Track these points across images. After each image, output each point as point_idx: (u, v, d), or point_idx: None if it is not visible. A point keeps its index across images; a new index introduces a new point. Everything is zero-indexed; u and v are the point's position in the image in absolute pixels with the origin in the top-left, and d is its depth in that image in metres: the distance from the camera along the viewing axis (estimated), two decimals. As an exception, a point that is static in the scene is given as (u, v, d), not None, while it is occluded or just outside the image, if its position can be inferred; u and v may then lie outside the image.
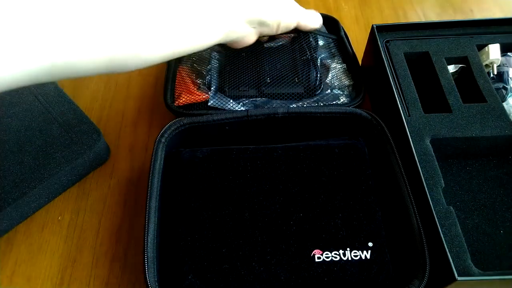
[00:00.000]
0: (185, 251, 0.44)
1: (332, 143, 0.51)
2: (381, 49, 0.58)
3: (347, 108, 0.54)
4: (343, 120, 0.54)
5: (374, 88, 0.62)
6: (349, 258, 0.43)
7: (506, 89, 0.56)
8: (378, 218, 0.46)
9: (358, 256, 0.44)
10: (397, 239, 0.46)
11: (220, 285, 0.43)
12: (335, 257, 0.44)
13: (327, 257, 0.44)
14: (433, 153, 0.50)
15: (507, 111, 0.53)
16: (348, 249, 0.44)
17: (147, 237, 0.44)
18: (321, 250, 0.44)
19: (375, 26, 0.60)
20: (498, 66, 0.58)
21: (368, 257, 0.44)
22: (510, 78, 0.57)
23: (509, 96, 0.56)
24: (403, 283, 0.42)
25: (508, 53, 0.59)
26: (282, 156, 0.50)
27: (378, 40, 0.58)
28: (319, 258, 0.43)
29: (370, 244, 0.44)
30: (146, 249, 0.44)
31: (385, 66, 0.56)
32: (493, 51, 0.58)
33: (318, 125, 0.55)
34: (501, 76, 0.58)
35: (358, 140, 0.52)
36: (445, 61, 0.58)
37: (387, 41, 0.60)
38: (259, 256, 0.44)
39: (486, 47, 0.59)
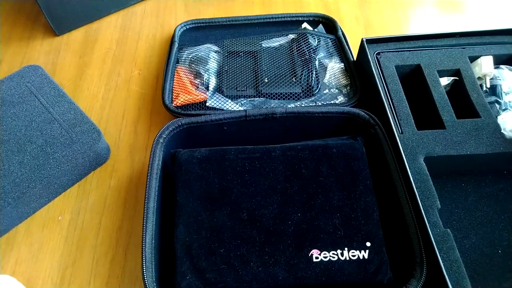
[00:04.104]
0: (184, 251, 0.44)
1: (330, 143, 0.51)
2: (371, 64, 0.57)
3: (344, 108, 0.54)
4: (341, 120, 0.54)
5: (369, 96, 0.61)
6: (347, 258, 0.44)
7: (499, 103, 0.55)
8: (376, 218, 0.46)
9: (356, 256, 0.44)
10: (395, 239, 0.46)
11: (218, 285, 0.43)
12: (333, 257, 0.44)
13: (325, 257, 0.44)
14: (427, 172, 0.49)
15: (501, 127, 0.52)
16: (346, 248, 0.44)
17: (145, 237, 0.45)
18: (319, 250, 0.44)
19: (364, 40, 0.58)
20: (491, 79, 0.57)
21: (366, 256, 0.44)
22: (504, 92, 0.56)
23: (503, 111, 0.55)
24: (400, 283, 0.43)
25: (501, 66, 0.58)
26: (280, 156, 0.50)
27: (369, 54, 0.57)
28: (317, 258, 0.44)
29: (368, 243, 0.44)
30: (144, 249, 0.44)
31: (376, 82, 0.55)
32: (486, 64, 0.56)
33: (316, 125, 0.55)
34: (494, 89, 0.56)
35: (356, 140, 0.52)
36: (437, 74, 0.57)
37: (378, 54, 0.59)
38: (257, 256, 0.44)
39: (479, 59, 0.57)
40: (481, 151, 0.50)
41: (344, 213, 0.46)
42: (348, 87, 0.61)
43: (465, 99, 0.55)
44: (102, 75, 0.70)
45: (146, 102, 0.66)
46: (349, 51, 0.65)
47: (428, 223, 0.44)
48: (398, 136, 0.50)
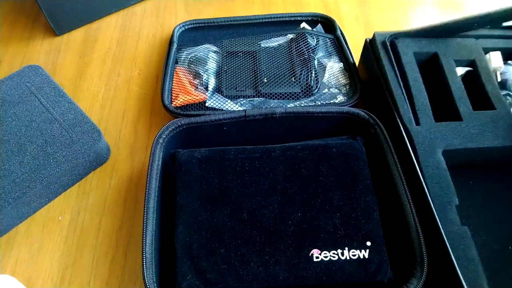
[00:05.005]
0: (184, 252, 0.44)
1: (329, 143, 0.51)
2: (388, 48, 0.54)
3: (344, 107, 0.54)
4: (340, 120, 0.54)
5: (373, 94, 0.60)
6: (347, 258, 0.44)
7: (511, 96, 0.55)
8: (376, 218, 0.46)
9: (357, 256, 0.44)
10: (395, 238, 0.46)
11: (219, 285, 0.43)
12: (334, 257, 0.44)
13: (326, 257, 0.44)
14: (446, 166, 0.47)
15: None
16: (346, 248, 0.44)
17: (145, 238, 0.45)
18: (319, 249, 0.44)
19: (376, 34, 0.57)
20: (501, 73, 0.57)
21: (367, 256, 0.44)
22: None
23: None
24: (401, 282, 0.43)
25: (509, 61, 0.58)
26: (280, 156, 0.50)
27: (385, 38, 0.55)
28: (317, 257, 0.44)
29: (368, 243, 0.44)
30: (145, 250, 0.44)
31: (394, 67, 0.53)
32: (495, 59, 0.56)
33: (315, 124, 0.55)
34: (504, 84, 0.56)
35: (356, 140, 0.52)
36: (454, 64, 0.55)
37: (395, 38, 0.56)
38: (257, 256, 0.44)
39: (487, 55, 0.57)
40: (497, 144, 0.49)
41: (344, 212, 0.46)
42: (348, 86, 0.61)
43: (480, 90, 0.54)
44: (102, 75, 0.70)
45: (146, 102, 0.66)
46: (348, 51, 0.65)
47: (446, 220, 0.43)
48: (413, 129, 0.49)
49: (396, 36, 0.57)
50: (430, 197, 0.45)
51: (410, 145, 0.49)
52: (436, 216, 0.43)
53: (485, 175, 0.53)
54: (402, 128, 0.50)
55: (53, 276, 0.51)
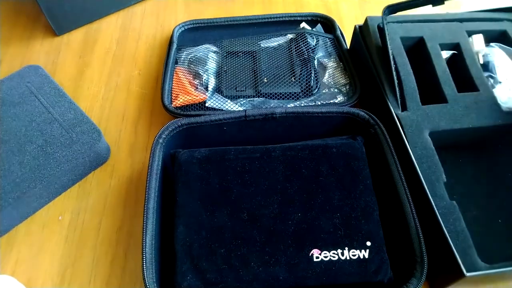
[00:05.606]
0: (184, 252, 0.44)
1: (329, 143, 0.51)
2: (386, 30, 0.55)
3: (344, 107, 0.54)
4: (340, 120, 0.54)
5: (363, 80, 0.61)
6: (348, 258, 0.44)
7: (493, 78, 0.56)
8: (376, 218, 0.46)
9: (357, 255, 0.44)
10: (395, 238, 0.46)
11: (219, 285, 0.43)
12: (334, 257, 0.44)
13: (326, 257, 0.44)
14: (433, 147, 0.50)
15: (497, 99, 0.53)
16: (346, 248, 0.44)
17: (145, 238, 0.45)
18: (319, 249, 0.44)
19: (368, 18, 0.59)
20: (483, 55, 0.58)
21: (367, 256, 0.44)
22: (497, 66, 0.57)
23: (497, 85, 0.56)
24: (401, 282, 0.43)
25: (491, 44, 0.59)
26: (280, 156, 0.50)
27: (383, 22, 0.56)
28: (317, 257, 0.44)
29: (368, 243, 0.44)
30: (145, 250, 0.44)
31: (388, 52, 0.54)
32: (477, 41, 0.58)
33: (315, 124, 0.55)
34: (486, 66, 0.58)
35: (356, 140, 0.52)
36: (439, 48, 0.57)
37: (390, 10, 0.58)
38: (257, 256, 0.44)
39: (470, 38, 0.58)
40: (481, 124, 0.51)
41: (344, 212, 0.46)
42: (347, 86, 0.61)
43: (464, 73, 0.56)
44: (102, 75, 0.70)
45: (146, 102, 0.66)
46: (347, 50, 0.65)
47: (435, 196, 0.45)
48: (401, 113, 0.51)
49: (391, 8, 0.57)
50: (415, 179, 0.47)
51: (399, 127, 0.51)
52: (428, 192, 0.45)
53: (473, 154, 0.55)
54: (393, 112, 0.52)
55: (53, 276, 0.51)
